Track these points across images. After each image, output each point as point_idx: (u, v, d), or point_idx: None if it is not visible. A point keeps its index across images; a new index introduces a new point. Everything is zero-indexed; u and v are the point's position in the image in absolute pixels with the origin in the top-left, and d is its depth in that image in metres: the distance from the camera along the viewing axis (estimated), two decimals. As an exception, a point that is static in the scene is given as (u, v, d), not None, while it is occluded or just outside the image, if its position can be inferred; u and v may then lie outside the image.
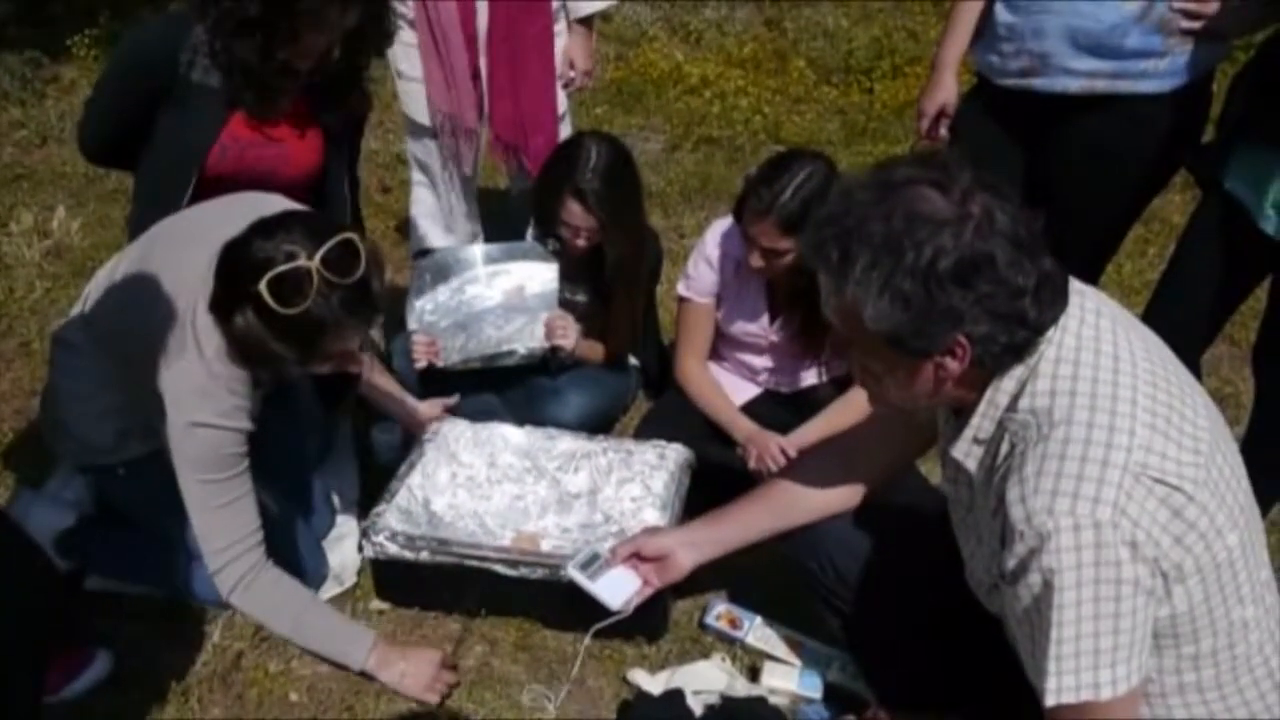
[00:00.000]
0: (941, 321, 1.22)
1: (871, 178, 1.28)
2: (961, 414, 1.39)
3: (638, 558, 1.81)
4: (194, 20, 2.04)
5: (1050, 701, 1.22)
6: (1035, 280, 1.22)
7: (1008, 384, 1.30)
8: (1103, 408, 1.23)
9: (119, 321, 1.81)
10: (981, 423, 1.33)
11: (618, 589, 1.79)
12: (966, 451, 1.36)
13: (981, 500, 1.38)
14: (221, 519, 1.79)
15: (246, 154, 2.15)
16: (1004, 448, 1.30)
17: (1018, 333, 1.24)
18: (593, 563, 1.82)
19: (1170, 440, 1.23)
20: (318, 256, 1.57)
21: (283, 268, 1.56)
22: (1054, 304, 1.26)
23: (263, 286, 1.55)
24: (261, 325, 1.60)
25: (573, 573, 1.81)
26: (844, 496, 1.75)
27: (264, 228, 1.63)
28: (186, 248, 1.79)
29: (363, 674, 1.87)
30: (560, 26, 2.60)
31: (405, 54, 2.56)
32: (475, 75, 2.55)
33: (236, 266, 1.61)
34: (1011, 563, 1.23)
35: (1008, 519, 1.23)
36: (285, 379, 1.99)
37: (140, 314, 1.76)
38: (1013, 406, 1.30)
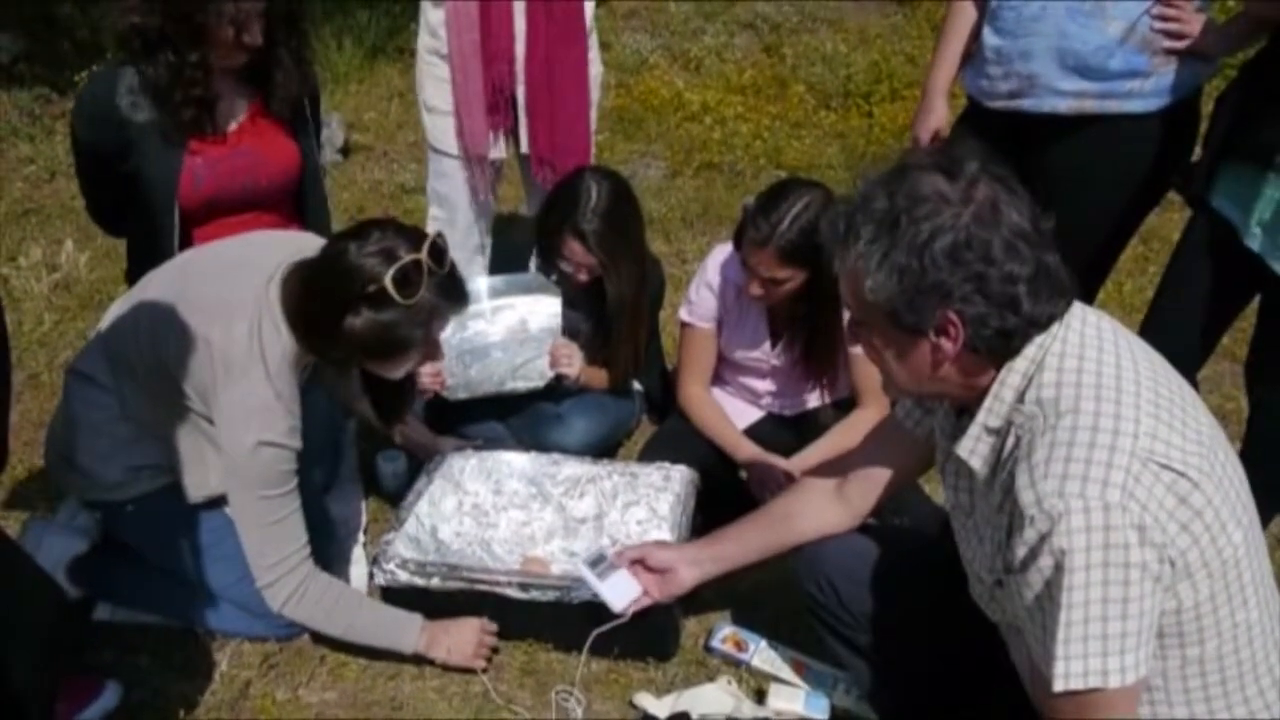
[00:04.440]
0: (932, 295, 1.27)
1: (890, 164, 1.34)
2: (965, 413, 1.41)
3: (642, 566, 1.83)
4: (122, 63, 2.14)
5: (1059, 686, 1.22)
6: (1032, 270, 1.25)
7: (1013, 378, 1.32)
8: (1108, 398, 1.26)
9: (159, 351, 1.84)
10: (988, 416, 1.35)
11: (622, 592, 1.81)
12: (971, 448, 1.38)
13: (984, 499, 1.40)
14: (275, 534, 1.84)
15: (220, 170, 2.21)
16: (1009, 442, 1.32)
17: (1009, 318, 1.27)
18: (599, 562, 1.85)
19: (1174, 430, 1.25)
20: (424, 249, 1.71)
21: (402, 261, 1.68)
22: (1052, 298, 1.28)
23: (388, 281, 1.67)
24: (381, 319, 1.72)
25: (582, 569, 1.84)
26: (842, 516, 1.77)
27: (354, 235, 1.75)
28: (231, 275, 1.86)
29: (415, 656, 1.95)
30: (594, 55, 2.63)
31: (436, 88, 2.58)
32: (495, 105, 2.57)
33: (342, 274, 1.72)
34: (1021, 550, 1.24)
35: (1017, 505, 1.25)
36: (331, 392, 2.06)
37: (188, 342, 1.80)
38: (1019, 399, 1.32)
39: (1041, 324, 1.30)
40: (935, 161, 1.30)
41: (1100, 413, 1.24)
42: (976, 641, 1.53)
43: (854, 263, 1.31)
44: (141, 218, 2.25)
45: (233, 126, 2.25)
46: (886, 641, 1.74)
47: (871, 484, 1.75)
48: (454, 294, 1.80)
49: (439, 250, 1.75)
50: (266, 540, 1.84)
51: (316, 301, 1.76)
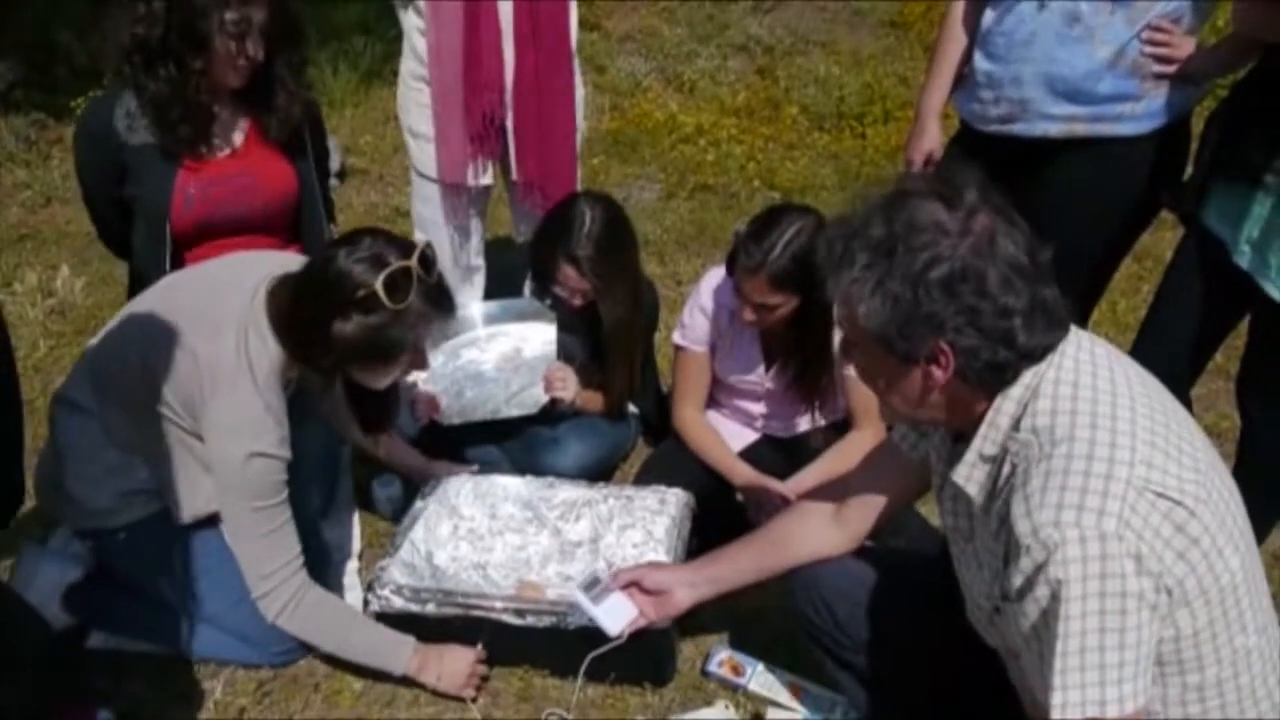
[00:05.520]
0: (924, 326, 1.27)
1: (889, 187, 1.34)
2: (961, 439, 1.41)
3: (637, 588, 1.83)
4: (121, 87, 2.15)
5: (1056, 716, 1.22)
6: (1027, 304, 1.25)
7: (1009, 406, 1.32)
8: (1103, 425, 1.25)
9: (146, 369, 1.84)
10: (984, 444, 1.35)
11: (617, 615, 1.81)
12: (968, 475, 1.37)
13: (982, 525, 1.40)
14: (268, 544, 1.85)
15: (213, 192, 2.21)
16: (1005, 469, 1.32)
17: (1000, 352, 1.27)
18: (594, 586, 1.84)
19: (1170, 458, 1.25)
20: (414, 256, 1.73)
21: (391, 267, 1.70)
22: (1046, 332, 1.28)
23: (378, 285, 1.69)
24: (370, 323, 1.74)
25: (577, 594, 1.83)
26: (839, 539, 1.76)
27: (344, 242, 1.78)
28: (216, 291, 1.88)
29: (405, 678, 1.95)
30: (577, 78, 2.65)
31: (420, 114, 2.60)
32: (485, 134, 2.59)
33: (332, 280, 1.74)
34: (1018, 580, 1.24)
35: (1013, 534, 1.24)
36: (317, 404, 2.09)
37: (174, 357, 1.81)
38: (1015, 427, 1.32)
39: (1035, 357, 1.29)
40: (935, 189, 1.30)
41: (1095, 440, 1.24)
42: (974, 664, 1.52)
43: (848, 287, 1.31)
44: (138, 242, 2.27)
45: (229, 149, 2.26)
46: (884, 664, 1.73)
47: (868, 507, 1.75)
48: (442, 302, 1.83)
49: (428, 259, 1.77)
50: (260, 551, 1.85)
51: (307, 307, 1.78)
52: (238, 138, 2.27)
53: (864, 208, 1.33)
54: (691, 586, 1.80)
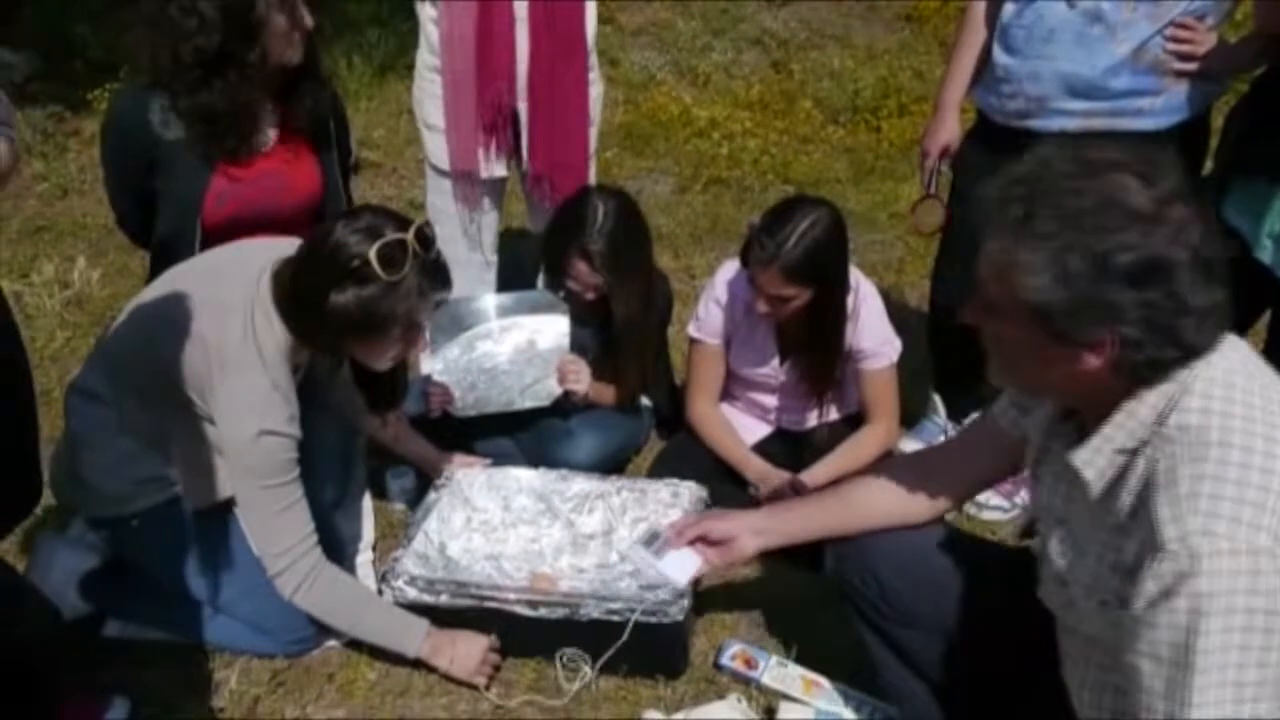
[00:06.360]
0: (1097, 312, 1.18)
1: (1076, 154, 1.25)
2: (1071, 418, 1.35)
3: (702, 541, 1.81)
4: (158, 87, 2.14)
5: None
6: (1206, 304, 1.18)
7: (1152, 398, 1.25)
8: (1259, 434, 1.19)
9: (157, 354, 1.86)
10: (1117, 433, 1.28)
11: (680, 566, 1.80)
12: (1088, 460, 1.30)
13: (1090, 513, 1.33)
14: (282, 522, 1.86)
15: (246, 192, 2.23)
16: (1140, 463, 1.25)
17: (1167, 350, 1.20)
18: (654, 541, 1.83)
19: None
20: (411, 230, 1.75)
21: (388, 238, 1.72)
22: (1214, 333, 1.22)
23: (373, 254, 1.71)
24: (364, 294, 1.74)
25: (637, 550, 1.83)
26: (919, 508, 1.71)
27: (345, 216, 1.80)
28: (223, 276, 1.90)
29: (417, 661, 1.97)
30: (595, 74, 2.65)
31: (435, 106, 2.60)
32: (494, 123, 2.59)
33: (329, 251, 1.75)
34: (1153, 585, 1.17)
35: (1154, 535, 1.18)
36: (321, 382, 2.10)
37: (183, 341, 1.82)
38: (1159, 421, 1.24)
39: (1197, 356, 1.22)
40: (1134, 166, 1.20)
41: (1252, 449, 1.18)
42: (1017, 644, 1.48)
43: (1018, 253, 1.20)
44: (164, 233, 2.27)
45: (261, 150, 2.26)
46: (924, 638, 1.69)
47: (959, 480, 1.70)
48: (438, 277, 1.83)
49: (425, 236, 1.78)
50: (273, 529, 1.87)
51: (305, 280, 1.80)
52: (270, 138, 2.28)
53: (1047, 170, 1.23)
54: (758, 534, 1.77)
